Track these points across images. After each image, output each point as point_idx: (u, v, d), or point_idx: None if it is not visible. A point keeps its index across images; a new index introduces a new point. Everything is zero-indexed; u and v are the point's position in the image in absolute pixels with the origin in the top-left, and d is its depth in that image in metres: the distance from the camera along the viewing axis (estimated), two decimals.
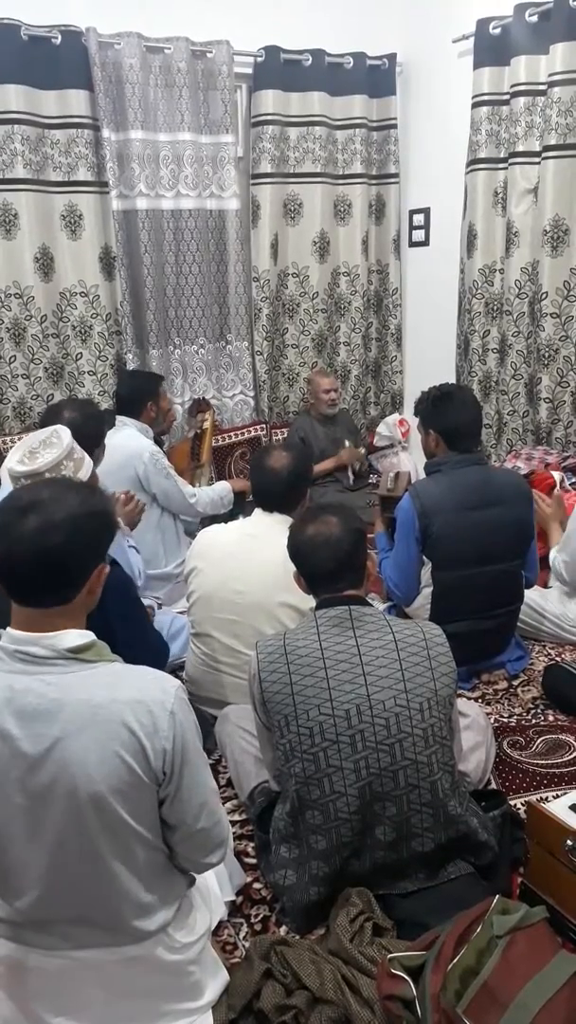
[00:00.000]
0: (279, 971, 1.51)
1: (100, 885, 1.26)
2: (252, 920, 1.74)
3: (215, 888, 1.60)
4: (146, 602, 2.51)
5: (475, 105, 3.61)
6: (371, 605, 1.79)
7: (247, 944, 1.66)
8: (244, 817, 2.00)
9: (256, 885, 1.82)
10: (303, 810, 1.66)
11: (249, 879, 1.83)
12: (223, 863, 1.64)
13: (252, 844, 1.92)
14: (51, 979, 1.32)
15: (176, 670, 2.52)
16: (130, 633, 1.78)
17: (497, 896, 1.54)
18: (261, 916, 1.75)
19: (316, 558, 1.76)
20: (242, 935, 1.70)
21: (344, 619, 1.70)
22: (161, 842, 1.32)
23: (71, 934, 1.29)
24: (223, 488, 3.36)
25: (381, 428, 4.44)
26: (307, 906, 1.68)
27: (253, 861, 1.88)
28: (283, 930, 1.71)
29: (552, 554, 2.75)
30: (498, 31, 3.47)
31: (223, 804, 1.72)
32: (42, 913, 1.27)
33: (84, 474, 1.98)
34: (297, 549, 1.80)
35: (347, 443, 3.98)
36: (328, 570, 1.75)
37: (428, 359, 4.30)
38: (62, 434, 2.00)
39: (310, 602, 2.13)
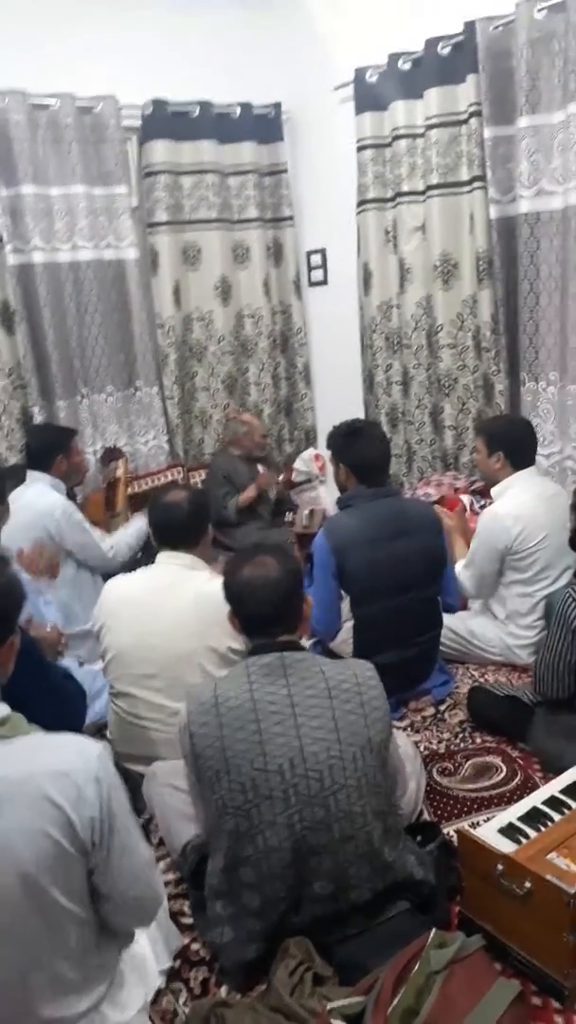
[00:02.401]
0: None
1: (25, 972, 1.21)
2: (191, 984, 1.69)
3: (150, 958, 1.55)
4: (67, 661, 2.45)
5: (360, 148, 3.74)
6: (304, 649, 1.75)
7: (187, 1010, 1.61)
8: (178, 876, 1.95)
9: (194, 946, 1.77)
10: (236, 867, 1.63)
11: (186, 940, 1.78)
12: (158, 927, 1.60)
13: (187, 903, 1.88)
14: None
15: (102, 728, 2.47)
16: (39, 688, 1.72)
17: (433, 930, 1.55)
18: (201, 978, 1.70)
19: (255, 601, 1.71)
20: (182, 1001, 1.65)
21: (276, 667, 1.66)
22: (92, 915, 1.28)
23: None
24: (139, 528, 3.31)
25: (298, 464, 4.48)
26: (246, 964, 1.64)
27: (189, 921, 1.83)
28: (223, 990, 1.67)
29: (457, 568, 2.79)
30: (375, 79, 3.62)
31: (156, 863, 1.68)
32: None
33: None
34: (236, 591, 1.75)
35: (260, 468, 4.01)
36: (266, 614, 1.71)
37: (337, 394, 4.37)
38: None
39: (229, 642, 2.12)
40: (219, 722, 1.62)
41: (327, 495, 4.31)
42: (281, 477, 4.26)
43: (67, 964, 1.24)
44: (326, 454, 4.01)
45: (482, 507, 3.29)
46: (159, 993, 1.61)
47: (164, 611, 2.13)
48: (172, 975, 1.69)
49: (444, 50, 3.27)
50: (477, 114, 3.18)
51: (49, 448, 3.15)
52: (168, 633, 2.11)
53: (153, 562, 2.28)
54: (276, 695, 1.64)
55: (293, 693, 1.64)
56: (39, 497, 2.97)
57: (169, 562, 2.23)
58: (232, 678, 1.71)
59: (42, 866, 1.16)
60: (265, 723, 1.61)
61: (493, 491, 2.85)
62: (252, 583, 1.72)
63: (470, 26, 3.10)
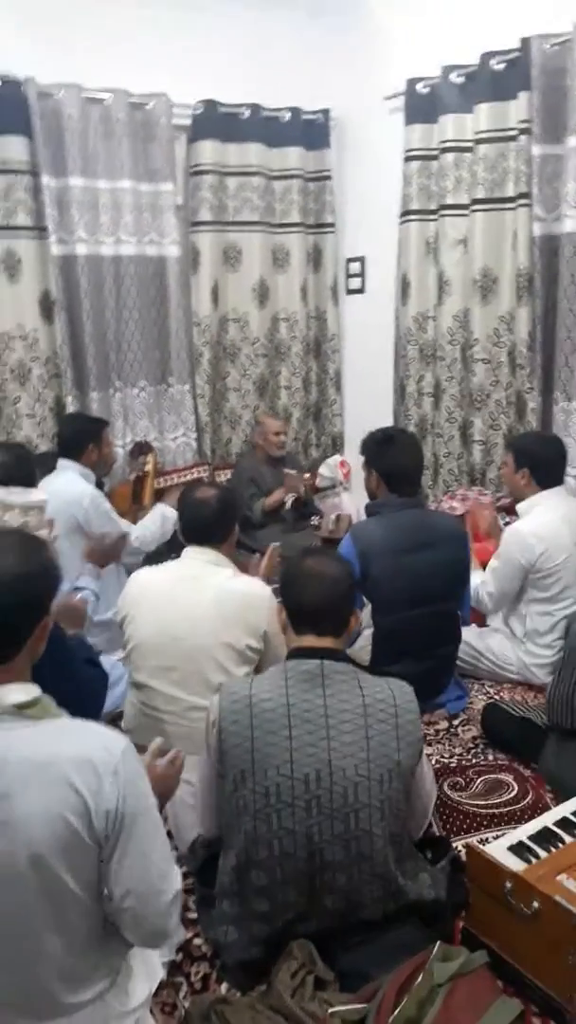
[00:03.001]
0: None
1: (31, 956, 1.21)
2: (192, 979, 1.70)
3: (155, 951, 1.55)
4: None
5: (407, 159, 3.76)
6: (345, 660, 1.73)
7: (187, 1004, 1.61)
8: (184, 870, 1.95)
9: (196, 941, 1.78)
10: (249, 868, 1.62)
11: (189, 934, 1.78)
12: None
13: (192, 898, 1.88)
14: None
15: (116, 718, 2.48)
16: (60, 671, 1.74)
17: (438, 943, 1.54)
18: (202, 974, 1.71)
19: (310, 589, 1.71)
20: (182, 995, 1.66)
21: (315, 675, 1.64)
22: (100, 907, 1.28)
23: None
24: (162, 512, 3.33)
25: (323, 469, 4.49)
26: (247, 964, 1.64)
27: (193, 916, 1.83)
28: (224, 987, 1.67)
29: (475, 583, 2.75)
30: (427, 90, 3.63)
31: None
32: None
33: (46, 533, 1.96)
34: (291, 578, 1.75)
35: (287, 471, 4.03)
36: (315, 606, 1.71)
37: (367, 403, 4.38)
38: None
39: (248, 640, 2.13)
40: (250, 723, 1.61)
41: (350, 502, 4.31)
42: (306, 478, 4.27)
43: (73, 950, 1.24)
44: (352, 461, 4.04)
45: (507, 524, 3.27)
46: (160, 985, 1.62)
47: (186, 605, 2.15)
48: (173, 968, 1.69)
49: (498, 65, 3.27)
50: (527, 131, 3.18)
51: (82, 437, 3.18)
52: (189, 627, 2.12)
53: (179, 556, 2.30)
54: (311, 703, 1.62)
55: (328, 703, 1.62)
56: (68, 485, 3.00)
57: (195, 557, 2.24)
58: (268, 679, 1.69)
59: (56, 850, 1.17)
60: (297, 730, 1.59)
61: (519, 508, 2.84)
62: (310, 572, 1.72)
63: (526, 43, 3.10)
